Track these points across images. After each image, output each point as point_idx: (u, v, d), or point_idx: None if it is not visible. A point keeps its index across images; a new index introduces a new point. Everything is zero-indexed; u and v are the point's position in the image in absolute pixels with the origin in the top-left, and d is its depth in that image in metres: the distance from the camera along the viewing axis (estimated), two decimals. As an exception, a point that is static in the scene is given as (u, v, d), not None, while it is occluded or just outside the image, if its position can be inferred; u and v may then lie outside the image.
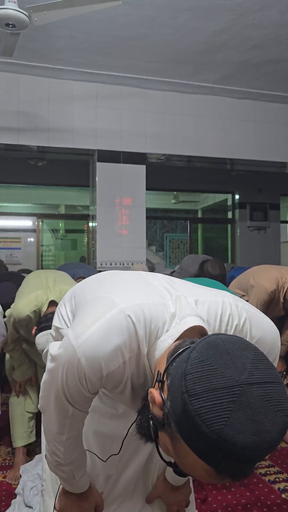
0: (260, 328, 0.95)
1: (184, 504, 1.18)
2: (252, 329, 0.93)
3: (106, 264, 3.88)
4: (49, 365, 0.90)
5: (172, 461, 0.78)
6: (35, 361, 2.39)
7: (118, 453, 1.05)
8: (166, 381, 0.74)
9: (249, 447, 0.62)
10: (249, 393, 0.64)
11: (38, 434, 2.46)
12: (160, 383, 0.75)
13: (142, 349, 0.83)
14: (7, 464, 2.45)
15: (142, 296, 0.88)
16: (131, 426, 0.91)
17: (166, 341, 0.83)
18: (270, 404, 0.65)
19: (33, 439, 2.41)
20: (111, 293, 0.89)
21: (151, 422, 0.77)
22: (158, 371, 0.77)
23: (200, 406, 0.64)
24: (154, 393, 0.75)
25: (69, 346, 0.83)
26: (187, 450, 0.67)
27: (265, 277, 2.47)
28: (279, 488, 2.17)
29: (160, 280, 0.97)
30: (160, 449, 0.79)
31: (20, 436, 2.37)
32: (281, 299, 2.47)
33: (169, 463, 0.79)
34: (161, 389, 0.75)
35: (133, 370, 0.85)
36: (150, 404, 0.77)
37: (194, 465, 0.68)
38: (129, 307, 0.83)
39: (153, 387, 0.77)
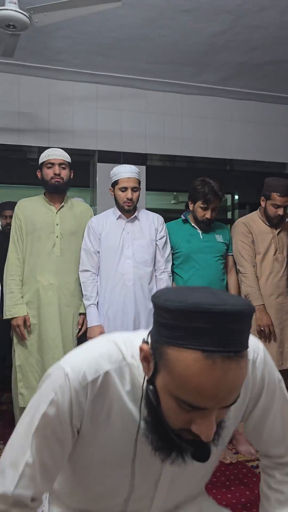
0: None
1: None
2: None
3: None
4: None
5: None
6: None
7: None
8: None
9: (213, 302, 0.69)
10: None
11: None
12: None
13: (126, 358, 0.87)
14: (7, 463, 2.46)
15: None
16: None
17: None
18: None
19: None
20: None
21: (149, 387, 0.78)
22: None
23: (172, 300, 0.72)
24: (142, 346, 0.80)
25: (55, 365, 0.88)
26: (176, 357, 0.70)
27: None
28: (278, 488, 2.18)
29: None
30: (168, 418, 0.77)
31: None
32: (261, 217, 2.67)
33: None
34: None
35: (120, 390, 0.86)
36: (142, 365, 0.81)
37: (188, 367, 0.69)
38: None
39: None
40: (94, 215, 2.60)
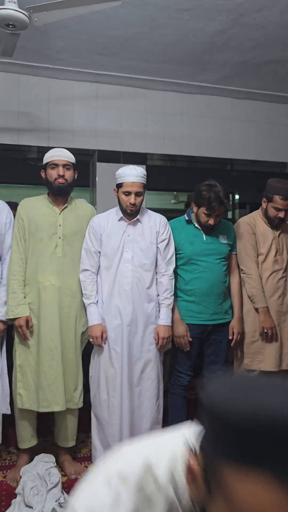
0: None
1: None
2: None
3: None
4: None
5: None
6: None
7: None
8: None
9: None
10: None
11: (39, 435, 2.46)
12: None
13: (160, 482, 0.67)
14: (7, 464, 2.46)
15: None
16: None
17: None
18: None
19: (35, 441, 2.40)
20: None
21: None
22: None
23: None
24: (189, 459, 0.61)
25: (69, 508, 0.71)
26: (237, 480, 0.52)
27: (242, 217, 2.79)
28: (279, 489, 2.17)
29: None
30: None
31: (27, 438, 2.36)
32: (263, 217, 2.67)
33: None
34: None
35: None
36: (190, 488, 0.62)
37: (255, 496, 0.51)
38: None
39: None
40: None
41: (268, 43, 3.18)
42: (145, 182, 2.36)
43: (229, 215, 6.58)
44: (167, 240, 2.41)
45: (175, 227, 2.52)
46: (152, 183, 4.24)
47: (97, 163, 3.92)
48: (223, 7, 2.73)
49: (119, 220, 2.38)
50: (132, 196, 2.30)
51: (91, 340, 2.34)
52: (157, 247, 2.39)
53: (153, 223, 2.42)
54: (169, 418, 2.51)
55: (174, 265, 2.43)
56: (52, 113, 3.79)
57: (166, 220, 2.51)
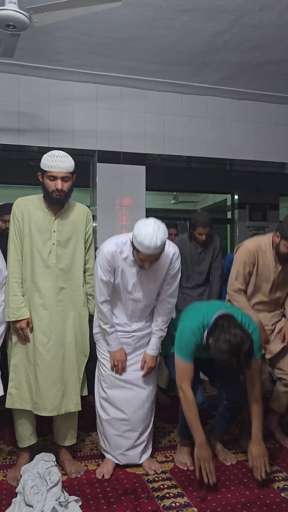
0: None
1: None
2: None
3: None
4: None
5: None
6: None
7: None
8: None
9: None
10: None
11: (39, 434, 2.47)
12: None
13: None
14: (7, 463, 2.46)
15: None
16: None
17: None
18: None
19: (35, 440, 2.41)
20: None
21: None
22: None
23: None
24: None
25: None
26: None
27: (251, 239, 2.59)
28: (278, 487, 2.18)
29: None
30: None
31: (26, 437, 2.37)
32: (272, 252, 2.53)
33: None
34: None
35: None
36: None
37: None
38: None
39: None
40: (94, 214, 2.53)
41: (268, 43, 3.20)
42: (163, 249, 2.17)
43: (229, 215, 6.59)
44: (175, 272, 2.31)
45: None
46: (152, 184, 4.27)
47: (97, 163, 3.93)
48: (222, 8, 2.74)
49: (133, 264, 2.25)
50: (147, 263, 2.15)
51: (115, 363, 2.35)
52: (165, 277, 2.30)
53: (166, 258, 2.26)
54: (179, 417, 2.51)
55: (176, 298, 2.39)
56: (52, 113, 3.80)
57: (179, 252, 2.32)
